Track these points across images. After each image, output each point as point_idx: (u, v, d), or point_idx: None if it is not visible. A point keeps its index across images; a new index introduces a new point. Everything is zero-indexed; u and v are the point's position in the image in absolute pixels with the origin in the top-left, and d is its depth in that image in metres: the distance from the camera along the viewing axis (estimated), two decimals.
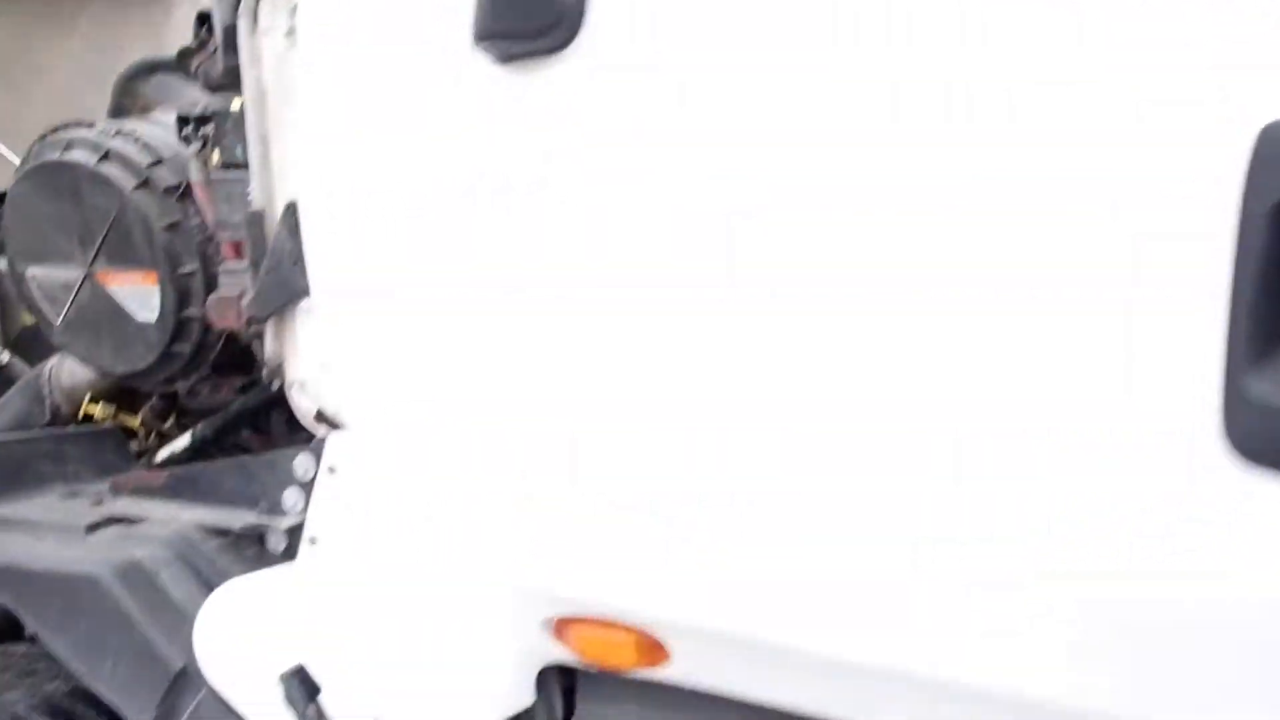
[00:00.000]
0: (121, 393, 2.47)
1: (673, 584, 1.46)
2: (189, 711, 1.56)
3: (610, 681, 1.71)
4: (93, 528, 1.80)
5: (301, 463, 1.74)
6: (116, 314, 2.00)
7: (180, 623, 1.61)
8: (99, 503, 1.88)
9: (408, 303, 1.49)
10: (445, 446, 1.52)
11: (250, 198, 1.72)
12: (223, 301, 1.72)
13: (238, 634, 1.62)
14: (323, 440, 1.72)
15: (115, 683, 1.59)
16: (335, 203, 1.48)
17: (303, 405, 1.83)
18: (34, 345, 2.80)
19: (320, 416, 1.77)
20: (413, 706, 1.62)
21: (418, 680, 1.61)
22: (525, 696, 1.70)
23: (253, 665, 1.60)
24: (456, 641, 1.63)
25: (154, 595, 1.62)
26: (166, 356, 2.00)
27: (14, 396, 2.51)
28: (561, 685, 1.76)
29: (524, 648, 1.67)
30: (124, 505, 1.87)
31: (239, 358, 2.14)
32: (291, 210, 1.62)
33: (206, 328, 1.98)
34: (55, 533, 1.79)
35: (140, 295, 1.97)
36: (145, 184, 1.91)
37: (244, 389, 2.68)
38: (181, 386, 2.12)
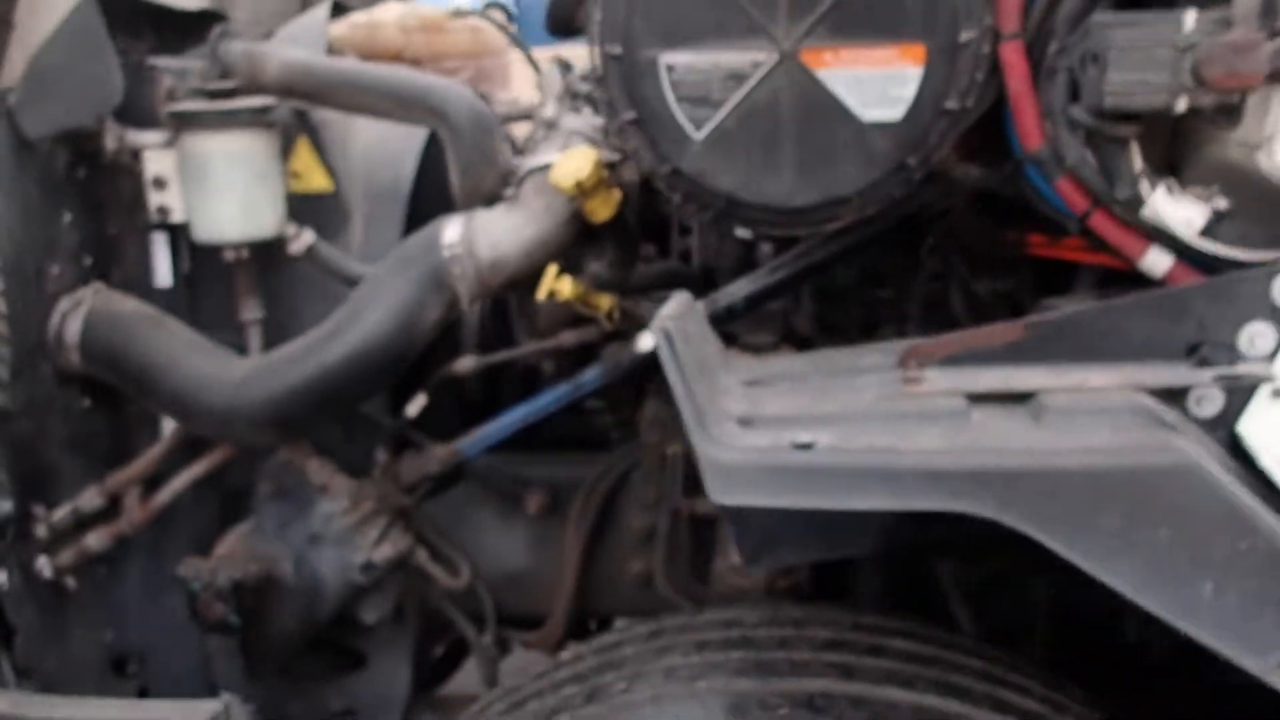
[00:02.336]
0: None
1: None
2: None
3: None
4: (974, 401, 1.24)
5: None
6: (823, 113, 1.37)
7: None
8: (909, 380, 1.29)
9: None
10: None
11: None
12: (1244, 48, 1.18)
13: None
14: None
15: (1222, 614, 1.08)
16: None
17: None
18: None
19: None
20: None
21: None
22: None
23: None
24: None
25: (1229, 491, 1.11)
26: (891, 175, 1.40)
27: (386, 283, 1.77)
28: None
29: None
30: (944, 377, 1.29)
31: None
32: None
33: (947, 128, 1.41)
34: (914, 419, 1.20)
35: (877, 82, 1.36)
36: None
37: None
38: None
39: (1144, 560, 1.08)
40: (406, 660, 2.06)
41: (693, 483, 1.93)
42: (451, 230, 1.77)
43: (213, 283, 1.96)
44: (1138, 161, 1.35)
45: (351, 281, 1.94)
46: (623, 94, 1.42)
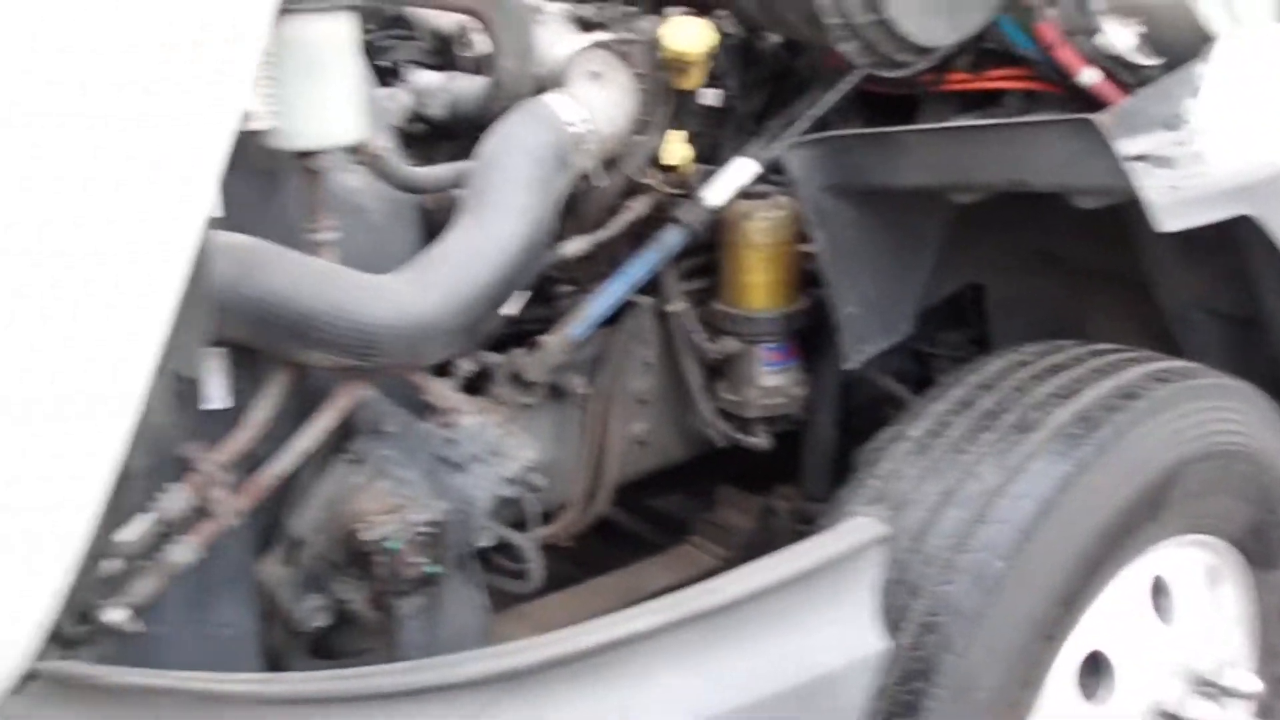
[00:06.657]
0: None
1: None
2: None
3: None
4: None
5: None
6: None
7: None
8: None
9: None
10: None
11: None
12: None
13: None
14: None
15: None
16: None
17: None
18: None
19: None
20: None
21: None
22: None
23: None
24: None
25: None
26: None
27: (509, 165, 1.73)
28: None
29: None
30: None
31: None
32: None
33: None
34: None
35: None
36: None
37: None
38: None
39: None
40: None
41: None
42: (565, 106, 1.76)
43: (266, 202, 1.62)
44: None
45: (411, 188, 1.76)
46: None
